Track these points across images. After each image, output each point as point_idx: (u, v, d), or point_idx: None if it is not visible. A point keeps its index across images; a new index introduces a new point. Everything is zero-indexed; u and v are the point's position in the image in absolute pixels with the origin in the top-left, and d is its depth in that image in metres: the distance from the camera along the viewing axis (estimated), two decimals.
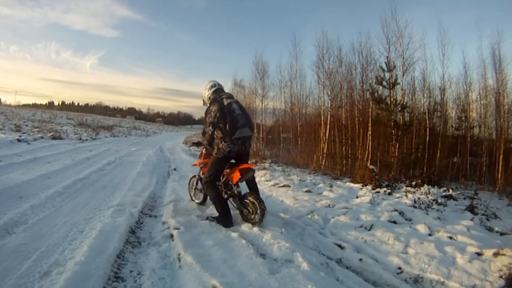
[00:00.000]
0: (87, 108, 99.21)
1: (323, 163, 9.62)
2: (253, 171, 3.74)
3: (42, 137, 11.19)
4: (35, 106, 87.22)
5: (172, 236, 3.10)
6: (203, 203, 4.29)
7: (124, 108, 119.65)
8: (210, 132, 3.54)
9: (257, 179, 6.60)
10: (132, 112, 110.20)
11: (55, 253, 2.49)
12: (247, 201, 3.52)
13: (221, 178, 3.74)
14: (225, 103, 3.53)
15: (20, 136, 10.04)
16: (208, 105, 3.73)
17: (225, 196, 3.70)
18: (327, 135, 10.21)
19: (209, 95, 3.80)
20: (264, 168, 8.20)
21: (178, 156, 10.97)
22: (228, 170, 3.70)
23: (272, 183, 6.15)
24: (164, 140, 21.78)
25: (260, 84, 15.40)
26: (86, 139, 13.88)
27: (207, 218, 3.64)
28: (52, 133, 12.51)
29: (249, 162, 3.74)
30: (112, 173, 6.37)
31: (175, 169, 7.54)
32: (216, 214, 3.61)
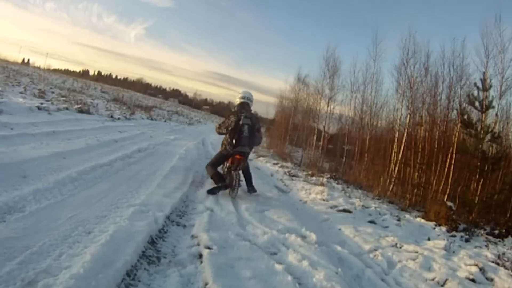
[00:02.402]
0: (126, 83, 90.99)
1: (391, 189, 8.96)
2: (243, 161, 4.89)
3: (67, 108, 10.28)
4: (67, 72, 77.91)
5: (201, 256, 2.66)
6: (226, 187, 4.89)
7: (167, 89, 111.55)
8: (224, 132, 5.08)
9: (311, 196, 6.44)
10: (176, 95, 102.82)
11: (49, 257, 2.08)
12: (229, 175, 4.89)
13: (226, 163, 5.19)
14: (241, 122, 4.87)
15: (41, 103, 9.16)
16: (233, 109, 5.49)
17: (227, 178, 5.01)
18: (399, 155, 9.40)
19: (236, 103, 5.36)
20: (322, 184, 7.62)
21: None
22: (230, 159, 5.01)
23: (330, 205, 5.78)
24: (209, 132, 18.80)
25: (329, 83, 14.37)
26: (119, 118, 12.73)
27: (208, 192, 4.67)
28: (79, 105, 11.50)
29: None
30: (141, 163, 5.83)
31: None
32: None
